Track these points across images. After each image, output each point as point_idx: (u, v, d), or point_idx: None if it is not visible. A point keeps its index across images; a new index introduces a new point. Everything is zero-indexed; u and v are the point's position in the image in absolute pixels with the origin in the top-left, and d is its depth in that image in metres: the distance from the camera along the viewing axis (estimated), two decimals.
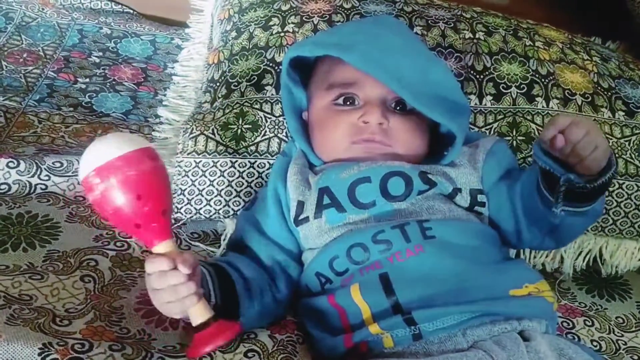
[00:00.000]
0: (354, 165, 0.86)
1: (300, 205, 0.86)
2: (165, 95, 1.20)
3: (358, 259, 0.80)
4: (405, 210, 0.83)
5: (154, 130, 1.13)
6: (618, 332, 0.95)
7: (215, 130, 0.97)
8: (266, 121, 0.98)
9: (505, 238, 0.87)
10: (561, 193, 0.74)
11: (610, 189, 1.00)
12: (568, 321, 0.95)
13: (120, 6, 1.53)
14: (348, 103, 0.89)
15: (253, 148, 0.97)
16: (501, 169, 0.88)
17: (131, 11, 1.53)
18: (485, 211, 0.87)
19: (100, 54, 1.37)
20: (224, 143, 0.96)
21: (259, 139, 0.97)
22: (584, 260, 1.03)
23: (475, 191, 0.87)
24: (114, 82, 1.30)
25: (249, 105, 0.99)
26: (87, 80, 1.29)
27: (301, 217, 0.85)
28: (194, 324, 0.72)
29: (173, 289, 0.70)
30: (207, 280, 0.76)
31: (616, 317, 0.98)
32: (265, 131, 0.97)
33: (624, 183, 1.01)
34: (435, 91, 0.88)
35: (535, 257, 1.03)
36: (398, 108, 0.88)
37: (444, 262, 0.79)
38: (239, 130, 0.97)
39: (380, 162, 0.86)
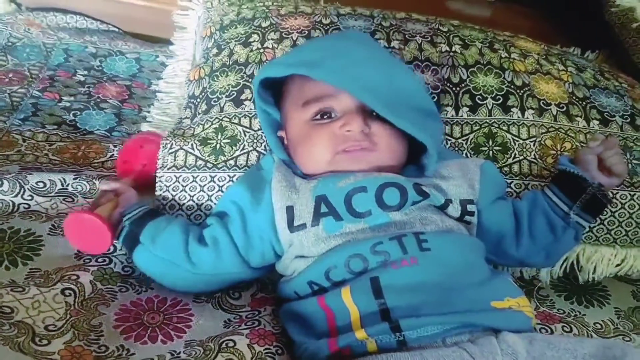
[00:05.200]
0: (350, 175, 0.87)
1: (290, 210, 0.87)
2: (149, 111, 1.22)
3: (356, 269, 0.81)
4: (400, 220, 0.85)
5: None
6: (596, 338, 0.96)
7: (194, 145, 0.98)
8: (245, 135, 0.99)
9: (501, 247, 0.93)
10: (584, 199, 0.92)
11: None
12: (546, 327, 0.96)
13: (105, 25, 1.55)
14: (326, 117, 0.90)
15: (232, 162, 0.98)
16: (499, 189, 0.96)
17: (116, 29, 1.55)
18: (474, 220, 0.89)
19: (86, 72, 1.39)
20: (203, 158, 0.98)
21: (237, 153, 0.98)
22: (561, 267, 1.04)
23: (465, 201, 0.89)
24: (98, 100, 1.31)
25: (228, 120, 1.00)
26: (72, 98, 1.30)
27: (296, 223, 0.86)
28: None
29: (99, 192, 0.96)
30: (133, 210, 0.92)
31: (594, 323, 0.99)
32: (244, 145, 0.99)
33: None
34: (403, 99, 0.89)
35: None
36: (375, 114, 0.89)
37: (434, 275, 0.80)
38: (218, 145, 0.99)
39: (375, 174, 0.87)
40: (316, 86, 0.89)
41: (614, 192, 1.02)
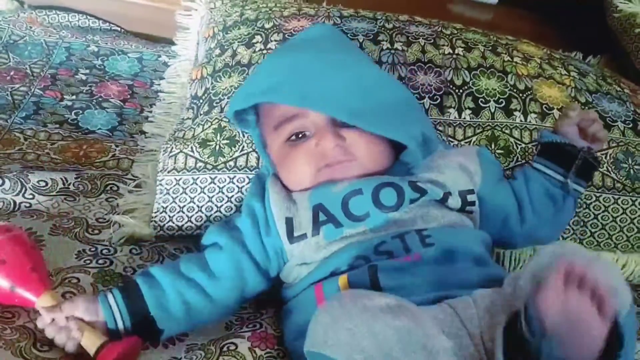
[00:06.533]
0: (344, 180, 0.87)
1: (289, 222, 0.86)
2: (151, 111, 1.22)
3: (359, 266, 0.81)
4: (400, 219, 0.85)
5: (137, 146, 1.15)
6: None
7: (194, 148, 0.98)
8: (244, 136, 0.99)
9: (508, 227, 0.93)
10: (577, 164, 0.93)
11: (587, 201, 1.02)
12: None
13: (107, 24, 1.55)
14: (300, 136, 0.89)
15: (232, 163, 0.98)
16: (498, 171, 0.97)
17: (119, 29, 1.55)
18: (476, 209, 0.89)
19: (87, 71, 1.38)
20: (203, 160, 0.97)
21: (237, 154, 0.98)
22: None
23: (464, 192, 0.89)
24: (100, 99, 1.31)
25: (227, 120, 1.00)
26: (74, 97, 1.30)
27: (296, 234, 0.86)
28: (91, 355, 0.77)
29: (58, 336, 0.78)
30: (109, 309, 0.81)
31: None
32: (244, 146, 0.99)
33: (600, 196, 1.02)
34: (373, 99, 0.88)
35: (515, 268, 1.04)
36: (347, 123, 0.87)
37: (435, 268, 0.80)
38: (217, 146, 0.98)
39: (367, 177, 0.87)
40: (282, 107, 0.88)
41: (616, 197, 1.02)
